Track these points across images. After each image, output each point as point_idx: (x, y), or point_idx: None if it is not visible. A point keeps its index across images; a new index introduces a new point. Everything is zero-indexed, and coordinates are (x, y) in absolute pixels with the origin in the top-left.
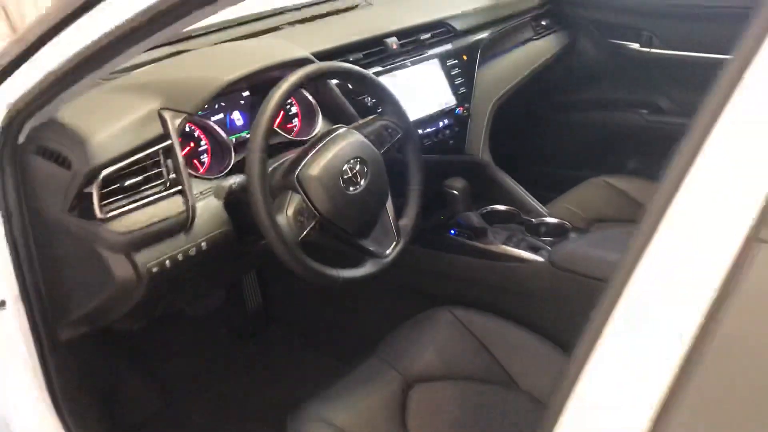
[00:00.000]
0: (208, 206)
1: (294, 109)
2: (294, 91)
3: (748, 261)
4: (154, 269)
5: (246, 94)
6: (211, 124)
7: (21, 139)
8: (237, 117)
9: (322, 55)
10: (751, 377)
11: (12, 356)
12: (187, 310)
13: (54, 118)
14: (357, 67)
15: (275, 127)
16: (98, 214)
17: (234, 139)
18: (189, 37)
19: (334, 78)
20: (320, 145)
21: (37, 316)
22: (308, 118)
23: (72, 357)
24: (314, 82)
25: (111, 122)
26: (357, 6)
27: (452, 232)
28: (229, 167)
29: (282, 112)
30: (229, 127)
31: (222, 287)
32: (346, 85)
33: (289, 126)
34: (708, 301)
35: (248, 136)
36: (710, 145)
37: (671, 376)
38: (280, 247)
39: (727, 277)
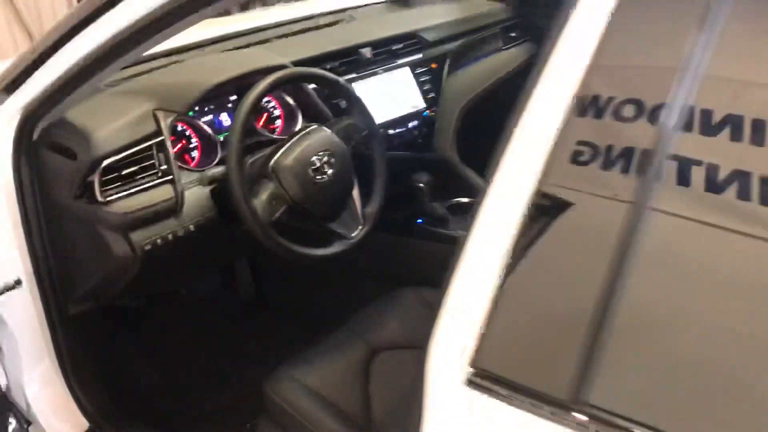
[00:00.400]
0: (196, 194)
1: (277, 112)
2: (268, 92)
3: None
4: (147, 247)
5: (233, 98)
6: (201, 123)
7: (35, 136)
8: (224, 118)
9: (302, 63)
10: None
11: (27, 329)
12: (183, 293)
13: (63, 118)
14: (326, 72)
15: (260, 127)
16: (99, 198)
17: (222, 137)
18: (185, 49)
19: (304, 81)
20: (294, 139)
21: (48, 292)
22: (290, 119)
23: (79, 331)
24: (289, 86)
25: (111, 121)
26: (340, 21)
27: (420, 221)
28: (216, 161)
29: (266, 114)
30: (218, 126)
31: (214, 271)
32: (323, 90)
33: (272, 126)
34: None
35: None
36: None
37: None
38: (254, 226)
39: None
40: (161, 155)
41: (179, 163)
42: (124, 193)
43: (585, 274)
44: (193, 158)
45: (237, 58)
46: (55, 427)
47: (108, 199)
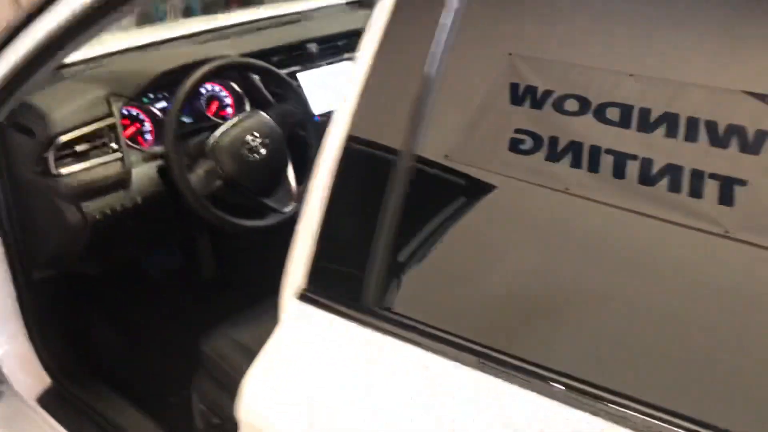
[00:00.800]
0: (144, 170)
1: (228, 100)
2: (204, 79)
3: None
4: (97, 215)
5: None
6: (153, 108)
7: (2, 118)
8: None
9: (251, 56)
10: None
11: None
12: (148, 267)
13: (26, 101)
14: (259, 62)
15: (211, 114)
16: (53, 171)
17: None
18: (146, 46)
19: (238, 70)
20: (231, 122)
21: (14, 259)
22: (239, 106)
23: (44, 295)
24: (235, 75)
25: (67, 103)
26: (297, 21)
27: None
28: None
29: (217, 102)
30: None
31: (176, 248)
32: (269, 80)
33: (223, 113)
34: None
35: (187, 120)
36: None
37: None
38: (189, 196)
39: None
40: (112, 135)
41: (132, 144)
42: (77, 167)
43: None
44: (146, 140)
45: (189, 51)
46: (21, 383)
47: (62, 172)
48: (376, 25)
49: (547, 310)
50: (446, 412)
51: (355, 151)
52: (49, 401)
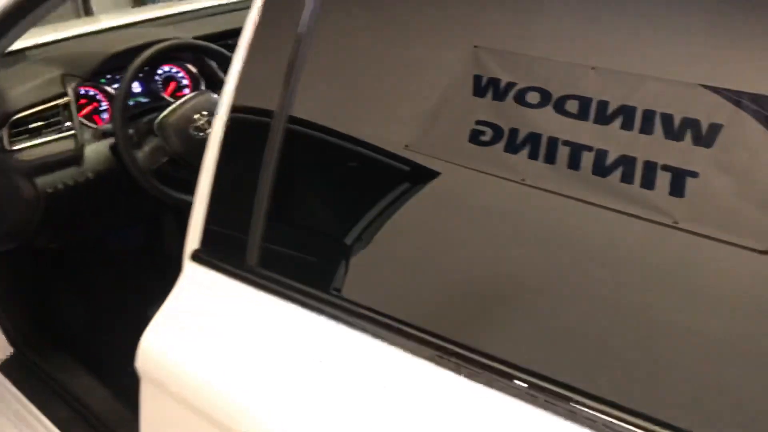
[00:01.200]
0: (97, 148)
1: (185, 81)
2: (150, 59)
3: None
4: (50, 189)
5: (145, 67)
6: (109, 89)
7: None
8: (135, 85)
9: (205, 39)
10: None
11: None
12: (110, 243)
13: None
14: (202, 42)
15: (167, 95)
16: (7, 146)
17: (131, 102)
18: (104, 30)
19: (186, 51)
20: (179, 101)
21: None
22: (195, 87)
23: (7, 268)
24: (190, 56)
25: (22, 82)
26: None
27: None
28: None
29: (174, 83)
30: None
31: (142, 225)
32: (223, 62)
33: (180, 94)
34: None
35: (143, 99)
36: None
37: None
38: (134, 172)
39: None
40: (66, 113)
41: (88, 122)
42: (30, 143)
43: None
44: (103, 119)
45: (143, 34)
46: None
47: (15, 147)
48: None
49: (496, 299)
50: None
51: (237, 119)
52: (10, 369)
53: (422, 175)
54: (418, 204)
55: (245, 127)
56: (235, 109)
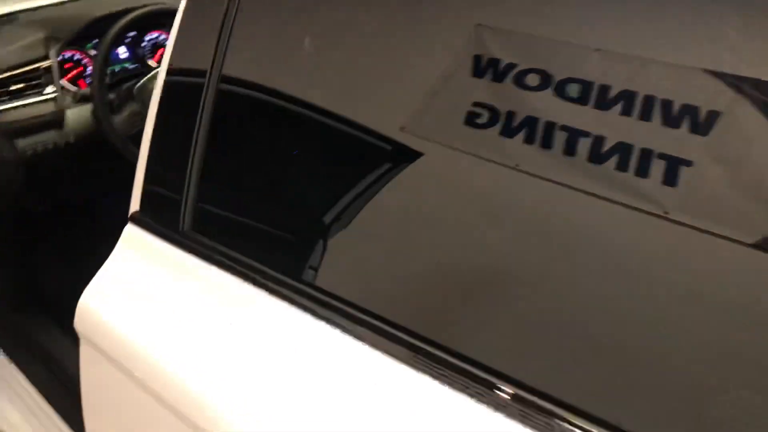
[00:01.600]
0: (79, 112)
1: None
2: (129, 26)
3: None
4: (29, 152)
5: (132, 33)
6: (93, 53)
7: None
8: (122, 51)
9: None
10: None
11: None
12: (98, 208)
13: None
14: None
15: (155, 62)
16: None
17: (117, 68)
18: None
19: (169, 17)
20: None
21: None
22: None
23: None
24: (167, 21)
25: (4, 45)
26: None
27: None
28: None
29: (162, 50)
30: (113, 57)
31: (112, 186)
32: None
33: None
34: None
35: (130, 66)
36: None
37: None
38: (110, 135)
39: None
40: (48, 76)
41: (73, 87)
42: (11, 105)
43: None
44: (88, 83)
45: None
46: None
47: None
48: None
49: (478, 291)
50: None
51: (174, 82)
52: None
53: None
54: (361, 165)
55: (181, 88)
56: (171, 71)
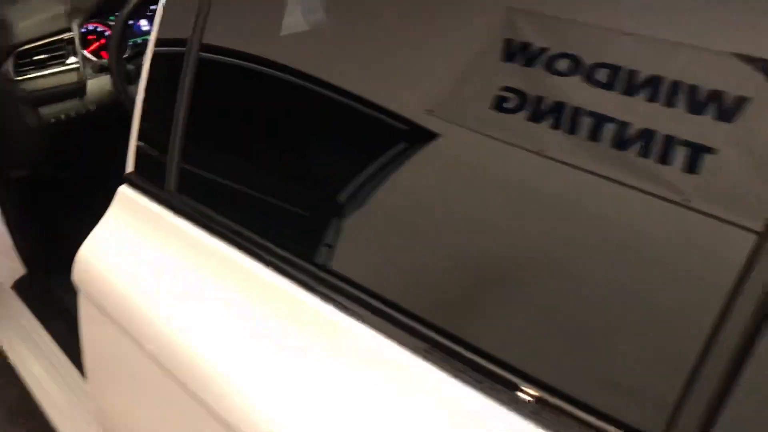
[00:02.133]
0: (100, 82)
1: None
2: None
3: None
4: (52, 119)
5: (153, 6)
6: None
7: None
8: (144, 23)
9: None
10: None
11: None
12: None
13: None
14: None
15: None
16: (12, 77)
17: (140, 40)
18: None
19: None
20: None
21: None
22: None
23: (21, 194)
24: None
25: (29, 16)
26: None
27: None
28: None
29: None
30: (135, 29)
31: None
32: None
33: None
34: None
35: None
36: None
37: None
38: (127, 104)
39: None
40: (70, 47)
41: (95, 58)
42: (34, 75)
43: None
44: None
45: None
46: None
47: (20, 78)
48: None
49: (495, 282)
50: (212, 281)
51: (162, 52)
52: (22, 288)
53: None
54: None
55: (167, 56)
56: (159, 42)
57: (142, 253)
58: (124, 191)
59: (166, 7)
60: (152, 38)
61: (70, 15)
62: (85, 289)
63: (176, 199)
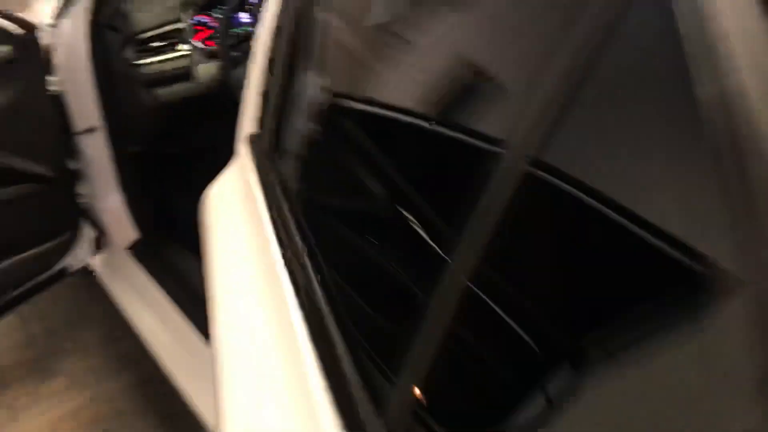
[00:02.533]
0: (208, 68)
1: None
2: None
3: None
4: (166, 100)
5: (253, 1)
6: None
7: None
8: (245, 16)
9: None
10: None
11: (101, 162)
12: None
13: (117, 7)
14: None
15: None
16: (132, 61)
17: (240, 30)
18: None
19: None
20: None
21: (113, 134)
22: None
23: (137, 166)
24: None
25: (147, 8)
26: None
27: None
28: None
29: None
30: (234, 22)
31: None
32: None
33: None
34: None
35: (251, 29)
36: None
37: None
38: (233, 87)
39: None
40: (182, 36)
41: (202, 46)
42: (151, 60)
43: None
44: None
45: None
46: (117, 233)
47: (139, 62)
48: None
49: None
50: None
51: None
52: (136, 250)
53: None
54: None
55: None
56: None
57: (247, 200)
58: (244, 150)
59: None
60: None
61: (182, 7)
62: (205, 221)
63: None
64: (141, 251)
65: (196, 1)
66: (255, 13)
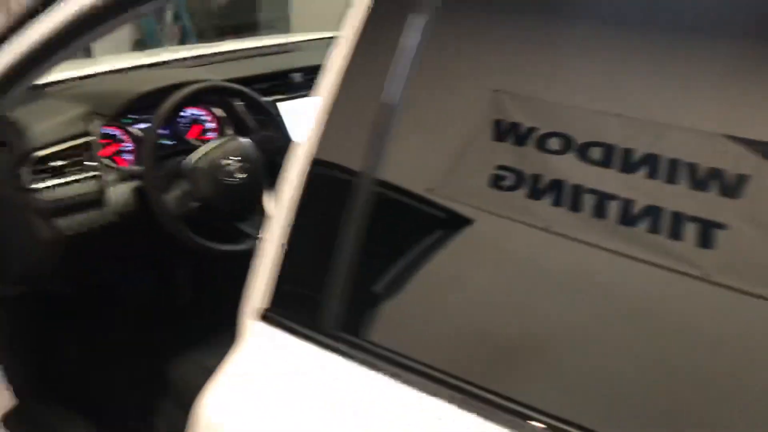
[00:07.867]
0: (120, 190)
1: (211, 124)
2: (182, 102)
3: None
4: (70, 233)
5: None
6: (134, 129)
7: None
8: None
9: (237, 82)
10: None
11: None
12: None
13: (3, 116)
14: (239, 86)
15: (193, 137)
16: (26, 185)
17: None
18: (131, 68)
19: (218, 94)
20: (209, 144)
21: None
22: (222, 132)
23: (15, 313)
24: (216, 99)
25: (46, 119)
26: (286, 51)
27: None
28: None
29: (201, 126)
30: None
31: (153, 273)
32: (251, 106)
33: (205, 137)
34: None
35: (167, 142)
36: None
37: None
38: (164, 217)
39: None
40: (88, 153)
41: (111, 163)
42: (51, 183)
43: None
44: (126, 160)
45: (172, 74)
46: None
47: (35, 186)
48: (338, 54)
49: (524, 347)
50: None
51: (319, 174)
52: (12, 421)
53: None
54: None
55: (326, 181)
56: (316, 162)
57: (297, 402)
58: (259, 329)
59: (324, 130)
60: (303, 156)
61: (89, 118)
62: None
63: (342, 338)
64: (18, 422)
65: (106, 111)
66: (171, 123)
